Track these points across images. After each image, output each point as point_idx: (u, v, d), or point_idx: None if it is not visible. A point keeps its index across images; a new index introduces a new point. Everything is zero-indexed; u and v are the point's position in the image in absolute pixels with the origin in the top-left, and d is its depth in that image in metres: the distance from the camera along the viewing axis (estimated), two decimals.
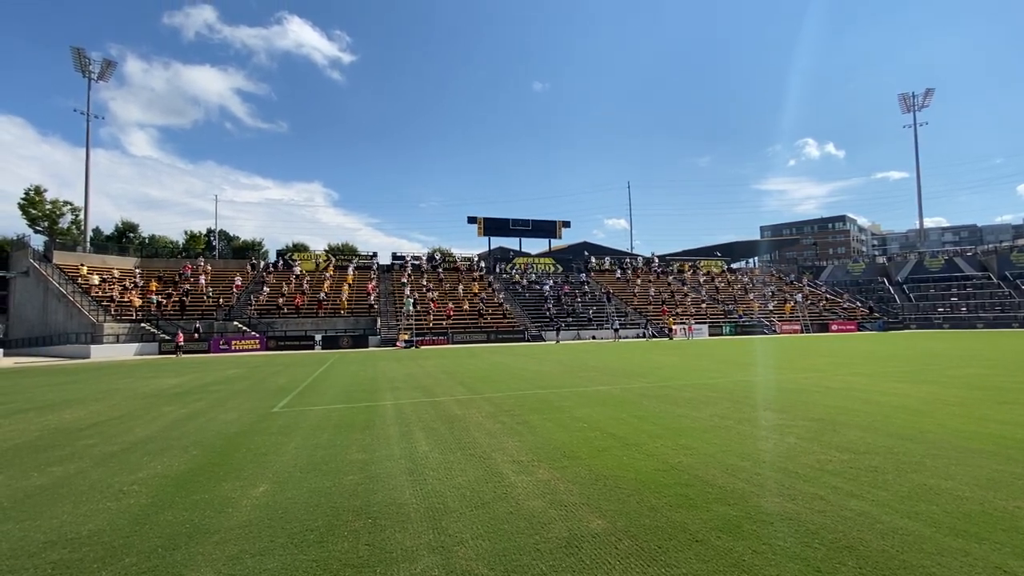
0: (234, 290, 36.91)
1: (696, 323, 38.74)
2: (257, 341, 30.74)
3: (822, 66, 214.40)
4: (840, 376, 11.10)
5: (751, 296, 47.25)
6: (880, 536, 3.04)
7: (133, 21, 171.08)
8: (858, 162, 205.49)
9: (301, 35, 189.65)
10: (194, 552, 3.03)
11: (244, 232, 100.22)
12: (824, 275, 60.11)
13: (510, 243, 57.22)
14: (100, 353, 26.55)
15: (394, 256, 46.49)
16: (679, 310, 41.97)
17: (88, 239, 43.60)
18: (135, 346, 28.50)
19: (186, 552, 3.03)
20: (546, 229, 52.89)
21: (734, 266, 59.68)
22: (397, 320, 35.20)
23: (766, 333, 39.26)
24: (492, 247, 55.82)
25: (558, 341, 33.85)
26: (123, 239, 54.19)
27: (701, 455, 4.86)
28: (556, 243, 55.34)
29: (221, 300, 35.36)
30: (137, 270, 38.21)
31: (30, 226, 47.73)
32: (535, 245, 59.95)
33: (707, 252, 61.53)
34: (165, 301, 33.65)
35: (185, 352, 28.90)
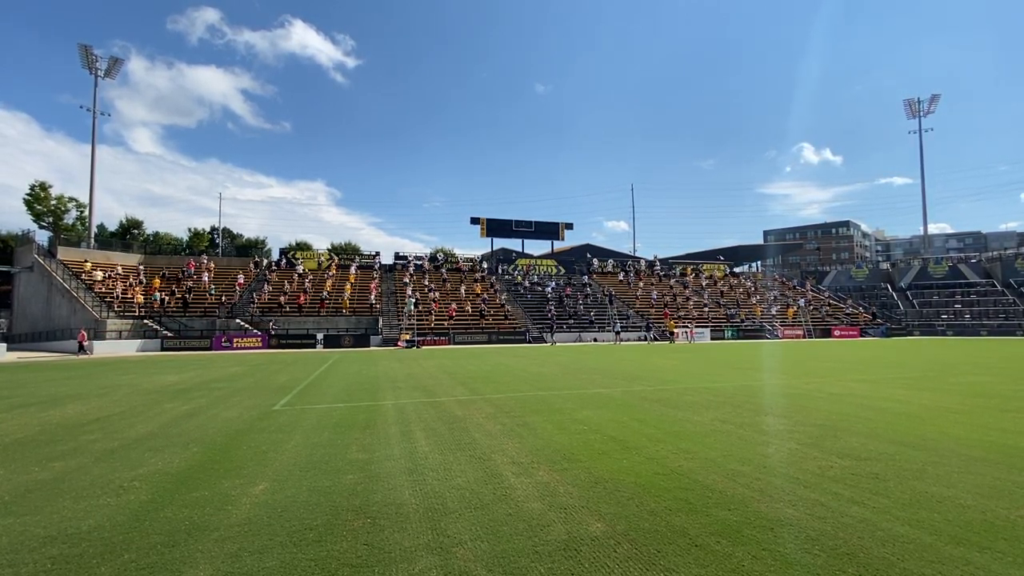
0: (237, 288, 37.00)
1: (698, 327, 38.66)
2: (259, 339, 30.81)
3: (823, 70, 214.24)
4: (842, 382, 11.05)
5: (754, 300, 47.13)
6: (881, 543, 3.03)
7: (138, 21, 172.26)
8: (857, 168, 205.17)
9: (305, 39, 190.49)
10: (193, 549, 3.03)
11: (247, 230, 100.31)
12: (827, 280, 59.96)
13: (513, 244, 57.22)
14: (103, 349, 26.64)
15: (396, 256, 46.52)
16: (681, 313, 41.92)
17: (92, 235, 43.76)
18: (137, 342, 28.58)
19: (185, 549, 3.04)
20: (549, 231, 52.81)
21: (737, 270, 59.53)
22: (399, 320, 35.21)
23: (768, 338, 39.15)
24: (495, 248, 55.83)
25: (553, 343, 33.78)
26: (127, 236, 54.42)
27: (701, 459, 4.84)
28: (559, 245, 55.30)
29: (224, 298, 35.45)
30: (141, 267, 38.32)
31: (35, 221, 48.12)
32: (538, 247, 60.02)
33: (710, 256, 61.37)
34: (168, 298, 33.76)
35: (188, 349, 29.00)
